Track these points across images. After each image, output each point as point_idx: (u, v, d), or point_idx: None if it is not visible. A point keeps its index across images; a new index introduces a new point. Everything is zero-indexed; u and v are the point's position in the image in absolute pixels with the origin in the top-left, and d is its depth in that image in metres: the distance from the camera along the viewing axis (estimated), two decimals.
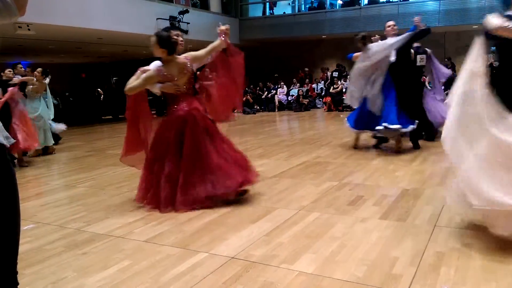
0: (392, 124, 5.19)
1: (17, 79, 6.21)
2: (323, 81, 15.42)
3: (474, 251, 2.37)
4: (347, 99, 6.08)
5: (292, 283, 2.11)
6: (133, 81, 3.52)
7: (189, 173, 3.45)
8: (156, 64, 3.62)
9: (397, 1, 14.24)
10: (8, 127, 5.83)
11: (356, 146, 6.05)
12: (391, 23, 5.64)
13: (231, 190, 3.48)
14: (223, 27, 3.65)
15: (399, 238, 2.62)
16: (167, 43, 3.49)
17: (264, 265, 2.34)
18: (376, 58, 5.37)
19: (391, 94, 5.39)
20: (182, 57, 3.60)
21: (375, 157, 5.39)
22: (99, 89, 17.35)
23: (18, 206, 1.72)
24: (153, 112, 3.91)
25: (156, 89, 3.59)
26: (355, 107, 5.96)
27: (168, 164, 3.48)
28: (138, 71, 3.59)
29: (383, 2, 15.21)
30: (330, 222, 2.97)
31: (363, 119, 5.57)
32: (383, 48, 5.40)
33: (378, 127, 5.33)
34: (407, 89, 5.50)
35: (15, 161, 6.12)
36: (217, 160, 3.48)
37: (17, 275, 1.78)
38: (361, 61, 5.55)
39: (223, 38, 3.61)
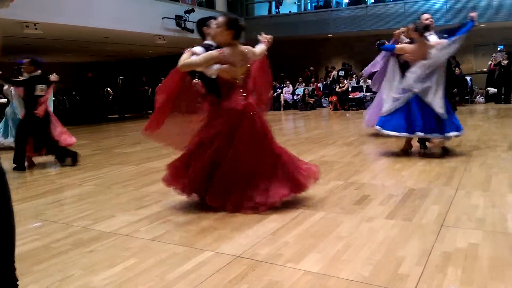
0: (462, 130, 4.97)
1: (53, 76, 6.28)
2: (329, 80, 15.37)
3: (481, 251, 2.35)
4: (391, 105, 5.01)
5: (298, 282, 2.11)
6: (187, 58, 3.27)
7: (225, 173, 3.28)
8: (199, 49, 3.42)
9: (403, 0, 14.16)
10: (49, 125, 5.96)
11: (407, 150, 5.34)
12: (428, 15, 5.16)
13: (266, 206, 3.24)
14: (267, 36, 3.75)
15: (406, 237, 2.61)
16: (235, 25, 3.32)
17: (269, 264, 2.34)
18: (443, 57, 4.79)
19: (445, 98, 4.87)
20: (244, 47, 3.43)
21: (381, 157, 5.37)
22: (108, 89, 17.41)
23: (10, 203, 1.72)
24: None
25: (212, 71, 3.30)
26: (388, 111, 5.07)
27: (210, 154, 3.29)
28: (187, 51, 3.36)
29: (389, 1, 15.11)
30: (335, 222, 2.96)
31: (415, 119, 4.83)
32: (448, 46, 4.78)
33: (452, 134, 4.86)
34: (452, 89, 5.19)
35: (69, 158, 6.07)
36: (261, 171, 3.29)
37: (16, 272, 1.77)
38: (430, 61, 4.76)
39: (266, 45, 3.68)
